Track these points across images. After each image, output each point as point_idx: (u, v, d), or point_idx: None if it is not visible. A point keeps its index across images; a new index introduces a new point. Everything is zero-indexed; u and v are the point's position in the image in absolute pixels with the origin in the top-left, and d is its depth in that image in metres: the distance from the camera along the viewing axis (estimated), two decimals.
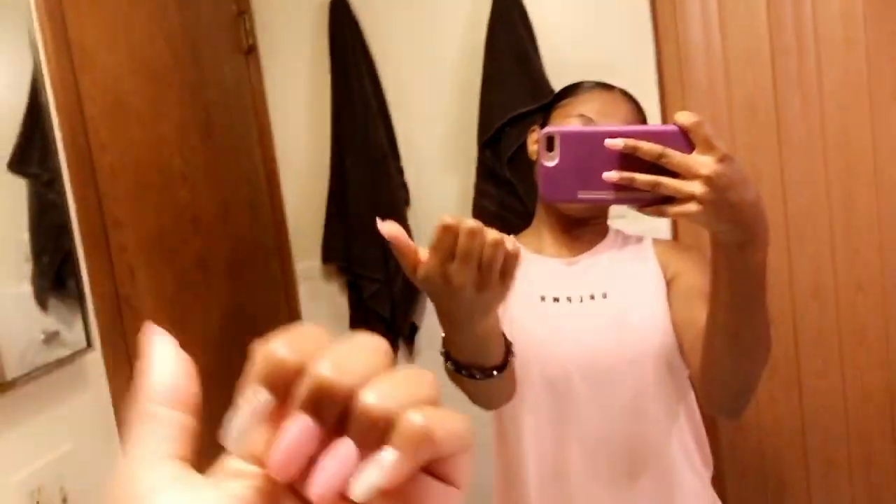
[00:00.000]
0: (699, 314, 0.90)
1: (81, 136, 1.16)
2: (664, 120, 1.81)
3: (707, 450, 1.14)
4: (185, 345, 1.15)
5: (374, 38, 1.86)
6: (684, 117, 0.68)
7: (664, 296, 1.06)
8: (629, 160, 0.69)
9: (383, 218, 1.02)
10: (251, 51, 1.87)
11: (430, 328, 1.94)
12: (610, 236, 1.17)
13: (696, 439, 1.11)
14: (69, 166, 1.12)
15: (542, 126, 1.12)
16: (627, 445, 1.05)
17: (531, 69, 1.75)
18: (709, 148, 0.68)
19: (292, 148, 1.94)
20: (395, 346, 1.94)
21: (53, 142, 1.08)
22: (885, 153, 1.75)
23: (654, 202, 0.70)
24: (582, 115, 1.07)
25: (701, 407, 1.10)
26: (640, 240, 1.17)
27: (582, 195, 0.72)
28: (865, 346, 1.81)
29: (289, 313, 1.93)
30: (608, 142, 0.69)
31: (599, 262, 1.12)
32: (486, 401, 0.97)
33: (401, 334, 1.90)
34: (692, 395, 1.10)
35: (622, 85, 1.77)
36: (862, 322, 1.81)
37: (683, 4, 1.79)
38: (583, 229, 1.15)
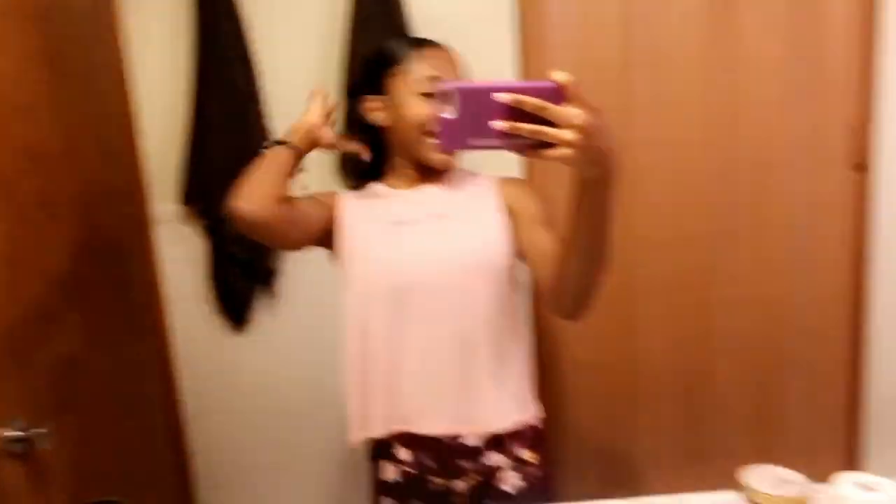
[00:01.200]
0: (540, 237, 1.16)
1: None
2: (523, 59, 1.90)
3: (526, 368, 1.30)
4: (23, 281, 1.16)
5: None
6: (560, 76, 0.79)
7: (498, 222, 1.23)
8: (514, 112, 0.79)
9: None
10: None
11: (290, 274, 1.97)
12: (456, 174, 1.31)
13: (519, 356, 1.28)
14: None
15: (373, 92, 1.25)
16: (457, 344, 1.21)
17: (396, 18, 1.78)
18: (580, 102, 0.79)
19: (151, 85, 1.86)
20: (252, 290, 1.96)
21: None
22: (713, 115, 1.93)
23: (534, 147, 0.81)
24: (435, 76, 1.19)
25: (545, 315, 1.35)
26: (485, 177, 1.31)
27: (474, 142, 0.81)
28: (692, 290, 2.01)
29: (143, 256, 1.89)
30: (498, 96, 0.78)
31: (443, 190, 1.28)
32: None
33: (259, 279, 1.92)
34: (522, 317, 1.30)
35: (484, 34, 1.84)
36: (691, 269, 2.01)
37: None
38: (435, 175, 1.28)
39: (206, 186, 1.84)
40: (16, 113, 1.37)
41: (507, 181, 1.31)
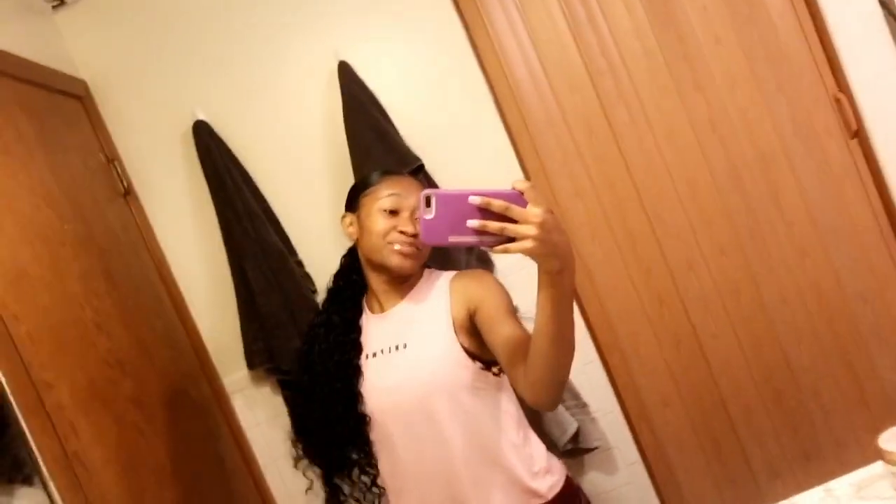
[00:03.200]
0: (508, 331, 1.23)
1: None
2: (519, 158, 2.04)
3: (532, 450, 1.39)
4: (142, 489, 1.28)
5: (242, 151, 1.98)
6: (520, 184, 0.95)
7: (451, 334, 1.33)
8: (484, 213, 0.94)
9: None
10: (128, 192, 1.93)
11: None
12: (420, 282, 1.44)
13: (515, 449, 1.36)
14: None
15: (351, 211, 1.47)
16: (441, 472, 1.32)
17: (392, 142, 1.92)
18: (537, 203, 0.95)
19: (191, 270, 2.01)
20: None
21: None
22: (704, 134, 2.04)
23: (501, 242, 0.95)
24: (394, 194, 1.38)
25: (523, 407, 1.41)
26: (444, 279, 1.42)
27: (452, 239, 0.96)
28: (740, 301, 2.06)
29: (229, 428, 1.96)
30: (471, 199, 0.94)
31: (404, 313, 1.40)
32: None
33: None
34: (505, 410, 1.37)
35: (474, 136, 2.00)
36: (734, 280, 2.06)
37: (506, 55, 2.03)
38: (402, 284, 1.43)
39: (267, 345, 1.92)
40: (92, 328, 1.48)
41: (464, 276, 1.42)
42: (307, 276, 1.99)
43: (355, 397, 1.36)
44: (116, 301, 1.63)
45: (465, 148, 2.01)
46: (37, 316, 1.31)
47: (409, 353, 1.34)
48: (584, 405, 1.98)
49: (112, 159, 1.92)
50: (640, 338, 2.08)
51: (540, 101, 2.05)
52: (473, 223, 0.94)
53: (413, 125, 1.98)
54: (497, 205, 0.93)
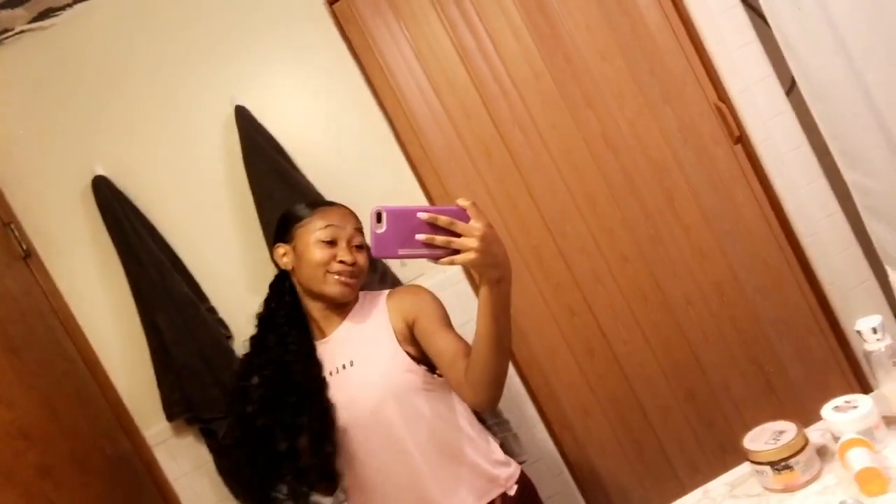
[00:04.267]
0: (445, 339, 1.31)
1: None
2: (423, 186, 2.08)
3: (489, 444, 1.48)
4: None
5: (144, 202, 1.99)
6: (463, 201, 1.05)
7: (393, 344, 1.40)
8: (431, 227, 1.03)
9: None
10: (29, 255, 1.91)
11: None
12: (357, 304, 1.48)
13: (472, 442, 1.44)
14: None
15: (284, 242, 1.48)
16: (405, 477, 1.38)
17: (295, 182, 1.95)
18: (479, 218, 1.05)
19: (102, 328, 1.99)
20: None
21: None
22: (598, 149, 2.12)
23: (447, 254, 1.04)
24: (331, 225, 1.43)
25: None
26: (382, 297, 1.47)
27: (401, 252, 1.03)
28: (647, 305, 2.14)
29: (154, 482, 1.94)
30: (420, 215, 1.02)
31: (345, 335, 1.46)
32: None
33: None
34: (456, 408, 1.45)
35: (377, 169, 2.04)
36: (640, 286, 2.14)
37: (401, 89, 2.09)
38: (340, 308, 1.47)
39: (185, 394, 1.92)
40: None
41: (399, 293, 1.49)
42: (220, 322, 1.99)
43: (327, 409, 1.39)
44: (18, 370, 1.62)
45: (369, 182, 2.05)
46: None
47: (357, 369, 1.39)
48: (504, 421, 2.03)
49: (8, 222, 1.90)
50: (555, 350, 2.14)
51: (438, 130, 2.10)
52: (421, 237, 1.02)
53: (315, 164, 2.01)
54: (443, 220, 1.02)
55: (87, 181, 1.95)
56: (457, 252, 1.03)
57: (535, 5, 2.10)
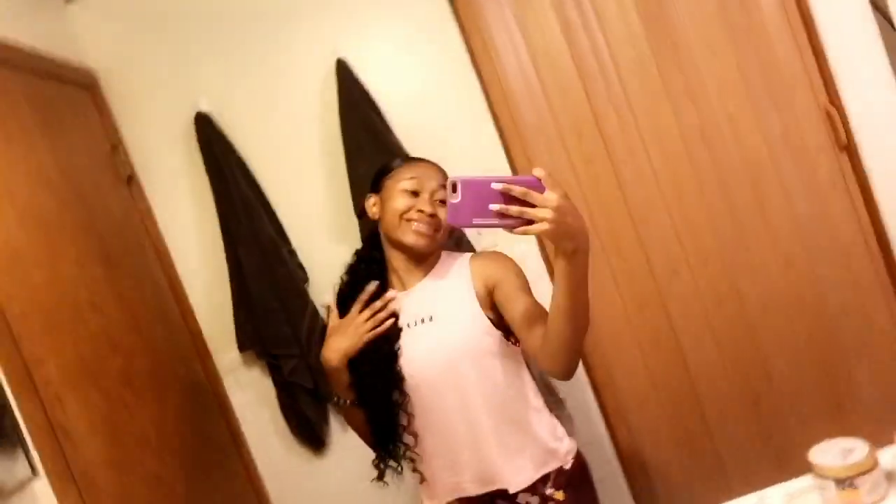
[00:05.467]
0: (525, 304, 1.31)
1: None
2: (509, 158, 2.08)
3: (552, 419, 1.50)
4: (126, 460, 1.39)
5: (241, 142, 2.07)
6: (538, 171, 1.03)
7: (474, 304, 1.40)
8: (506, 198, 1.02)
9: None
10: (132, 179, 2.03)
11: None
12: (439, 262, 1.49)
13: (538, 414, 1.46)
14: None
15: (374, 192, 1.50)
16: (469, 436, 1.40)
17: (385, 140, 1.99)
18: (554, 189, 1.03)
19: (188, 256, 2.10)
20: (324, 414, 2.09)
21: None
22: (693, 141, 2.06)
23: (521, 225, 1.03)
24: (415, 177, 1.44)
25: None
26: (463, 258, 1.48)
27: (475, 221, 1.04)
28: (721, 307, 2.09)
29: (219, 407, 2.05)
30: (494, 185, 1.02)
31: (426, 290, 1.46)
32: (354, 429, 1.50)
33: (328, 400, 2.05)
34: (526, 378, 1.47)
35: (466, 136, 2.05)
36: (716, 286, 2.09)
37: (500, 58, 2.08)
38: (421, 263, 1.48)
39: (257, 329, 2.01)
40: (86, 308, 1.57)
41: (482, 257, 1.49)
42: (299, 266, 2.07)
43: (395, 360, 1.42)
44: (113, 283, 1.73)
45: (455, 148, 2.06)
46: (29, 295, 1.41)
47: (436, 324, 1.41)
48: (561, 400, 2.03)
49: (115, 145, 2.01)
50: (620, 338, 2.12)
51: (531, 103, 2.09)
52: (495, 207, 1.02)
53: (406, 124, 2.04)
54: (517, 190, 1.02)
55: (191, 116, 2.04)
56: (531, 222, 1.03)
57: None
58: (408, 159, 1.53)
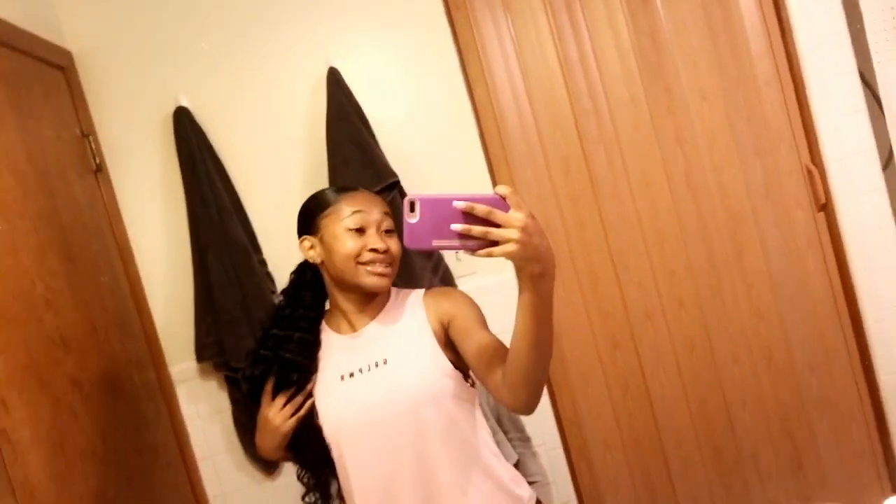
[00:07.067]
0: (482, 339, 1.23)
1: None
2: (493, 182, 2.05)
3: (505, 462, 1.40)
4: (70, 473, 1.27)
5: (220, 143, 1.98)
6: (502, 189, 0.95)
7: (433, 353, 1.31)
8: (467, 217, 0.94)
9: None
10: (100, 170, 1.92)
11: None
12: (390, 300, 1.40)
13: (496, 457, 1.37)
14: None
15: (309, 234, 1.37)
16: (422, 481, 1.29)
17: (371, 155, 1.93)
18: (520, 208, 0.95)
19: (153, 256, 1.99)
20: None
21: None
22: (678, 187, 2.07)
23: (484, 246, 0.95)
24: (358, 211, 1.33)
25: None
26: (416, 296, 1.40)
27: (435, 243, 0.95)
28: (692, 355, 2.09)
29: (170, 417, 1.94)
30: (455, 203, 0.94)
31: (379, 331, 1.36)
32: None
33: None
34: (482, 421, 1.37)
35: (453, 158, 2.01)
36: (689, 334, 2.09)
37: (495, 86, 2.05)
38: (370, 302, 1.38)
39: (218, 339, 1.91)
40: (41, 304, 1.46)
41: (435, 293, 1.40)
42: (268, 276, 1.98)
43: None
44: (71, 279, 1.62)
45: (442, 169, 2.03)
46: None
47: (392, 368, 1.31)
48: (526, 438, 1.99)
49: (87, 134, 1.90)
50: (590, 379, 2.10)
51: (522, 134, 2.07)
52: (457, 227, 0.94)
53: (394, 139, 1.99)
54: (480, 209, 0.93)
55: (170, 110, 1.94)
56: (495, 244, 0.95)
57: (647, 31, 2.06)
58: (340, 191, 1.39)
